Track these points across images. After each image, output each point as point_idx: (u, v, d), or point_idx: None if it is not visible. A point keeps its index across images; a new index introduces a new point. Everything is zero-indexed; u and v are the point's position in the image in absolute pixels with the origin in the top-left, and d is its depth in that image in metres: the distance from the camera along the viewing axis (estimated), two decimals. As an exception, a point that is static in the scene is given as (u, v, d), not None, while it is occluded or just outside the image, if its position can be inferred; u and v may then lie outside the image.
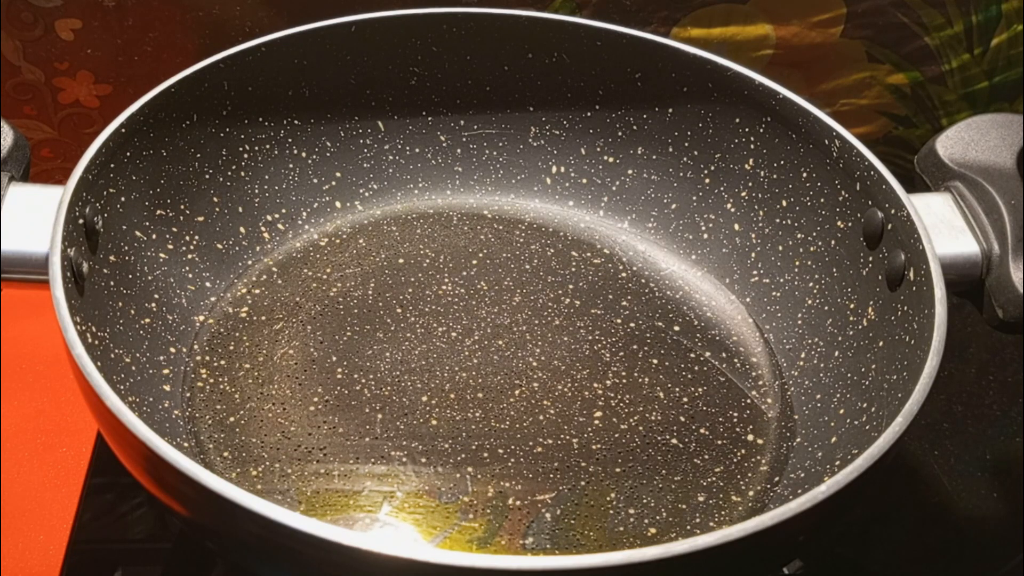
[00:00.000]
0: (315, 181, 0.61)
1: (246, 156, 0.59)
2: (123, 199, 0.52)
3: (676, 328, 0.56)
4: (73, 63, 0.67)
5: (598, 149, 0.63)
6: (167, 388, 0.50)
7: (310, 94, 0.60)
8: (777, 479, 0.49)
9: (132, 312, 0.51)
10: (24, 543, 0.52)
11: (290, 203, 0.60)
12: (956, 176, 0.54)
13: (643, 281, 0.59)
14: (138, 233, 0.53)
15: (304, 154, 0.61)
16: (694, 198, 0.61)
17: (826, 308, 0.55)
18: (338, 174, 0.61)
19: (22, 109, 0.69)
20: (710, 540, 0.37)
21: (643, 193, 0.62)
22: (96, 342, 0.46)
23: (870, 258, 0.53)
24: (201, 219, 0.57)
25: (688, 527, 0.47)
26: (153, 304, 0.52)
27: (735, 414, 0.52)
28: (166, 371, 0.51)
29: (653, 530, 0.47)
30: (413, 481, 0.47)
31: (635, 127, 0.62)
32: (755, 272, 0.58)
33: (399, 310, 0.56)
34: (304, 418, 0.50)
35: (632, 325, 0.56)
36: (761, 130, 0.58)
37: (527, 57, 0.62)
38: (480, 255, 0.59)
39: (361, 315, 0.55)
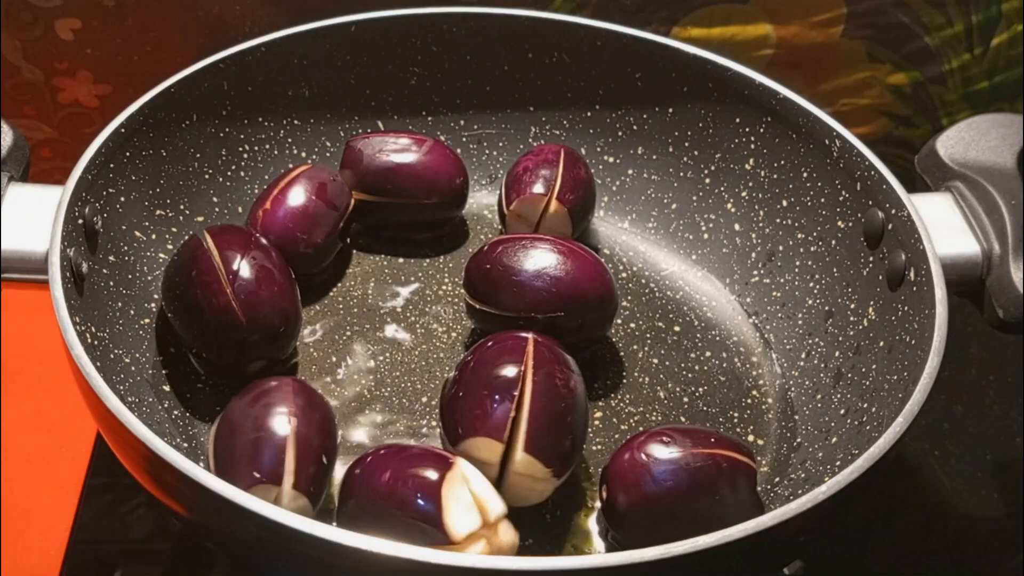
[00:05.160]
0: (315, 181, 0.61)
1: (246, 156, 0.59)
2: (123, 199, 0.52)
3: (676, 328, 0.56)
4: (73, 63, 0.67)
5: (598, 149, 0.63)
6: (167, 388, 0.50)
7: (310, 94, 0.61)
8: (777, 479, 0.49)
9: (132, 312, 0.51)
10: (24, 543, 0.52)
11: (290, 203, 0.60)
12: (957, 176, 0.54)
13: (643, 281, 0.59)
14: (138, 233, 0.53)
15: (304, 154, 0.61)
16: (694, 198, 0.61)
17: (826, 308, 0.55)
18: (338, 174, 0.61)
19: (22, 109, 0.69)
20: (710, 540, 0.37)
21: (643, 193, 0.62)
22: (96, 342, 0.46)
23: (870, 258, 0.53)
24: (201, 219, 0.57)
25: (688, 527, 0.47)
26: (153, 304, 0.52)
27: (735, 414, 0.52)
28: (166, 371, 0.51)
29: (653, 530, 0.47)
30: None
31: (635, 127, 0.62)
32: (755, 272, 0.58)
33: (399, 310, 0.56)
34: (304, 418, 0.50)
35: (632, 325, 0.56)
36: (761, 130, 0.58)
37: (527, 57, 0.62)
38: (480, 255, 0.59)
39: (361, 315, 0.55)
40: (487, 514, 0.41)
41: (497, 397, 0.43)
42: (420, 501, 0.40)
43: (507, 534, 0.42)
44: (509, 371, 0.44)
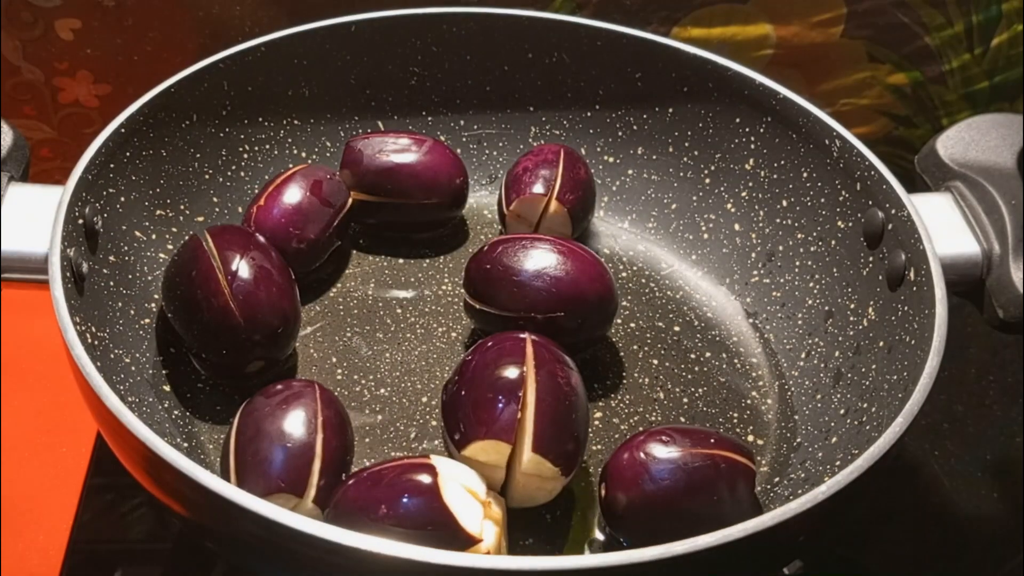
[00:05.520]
0: (315, 181, 0.61)
1: (246, 156, 0.59)
2: (123, 199, 0.52)
3: (676, 328, 0.56)
4: (73, 63, 0.67)
5: (598, 149, 0.63)
6: (167, 388, 0.50)
7: (310, 94, 0.61)
8: (777, 479, 0.49)
9: (132, 312, 0.51)
10: (24, 543, 0.52)
11: (290, 203, 0.60)
12: (957, 176, 0.54)
13: (643, 281, 0.59)
14: (138, 233, 0.53)
15: (304, 154, 0.61)
16: (694, 198, 0.61)
17: (826, 308, 0.55)
18: (338, 174, 0.61)
19: (22, 109, 0.69)
20: (710, 540, 0.37)
21: (643, 193, 0.62)
22: (96, 342, 0.46)
23: (870, 258, 0.53)
24: (201, 219, 0.57)
25: (688, 527, 0.47)
26: (153, 304, 0.52)
27: (735, 414, 0.52)
28: (166, 371, 0.51)
29: (653, 530, 0.47)
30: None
31: (635, 127, 0.62)
32: (755, 272, 0.58)
33: (399, 310, 0.56)
34: (304, 418, 0.50)
35: (632, 325, 0.56)
36: (761, 130, 0.58)
37: (527, 57, 0.62)
38: (480, 255, 0.59)
39: (361, 315, 0.55)
40: (479, 496, 0.42)
41: (502, 399, 0.43)
42: (432, 519, 0.40)
43: (497, 506, 0.43)
44: (511, 372, 0.44)
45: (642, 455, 0.43)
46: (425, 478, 0.41)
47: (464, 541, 0.40)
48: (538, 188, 0.56)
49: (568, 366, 0.45)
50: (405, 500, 0.41)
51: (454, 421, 0.44)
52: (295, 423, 0.44)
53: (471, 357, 0.45)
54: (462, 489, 0.41)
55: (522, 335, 0.45)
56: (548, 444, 0.43)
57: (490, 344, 0.46)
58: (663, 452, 0.43)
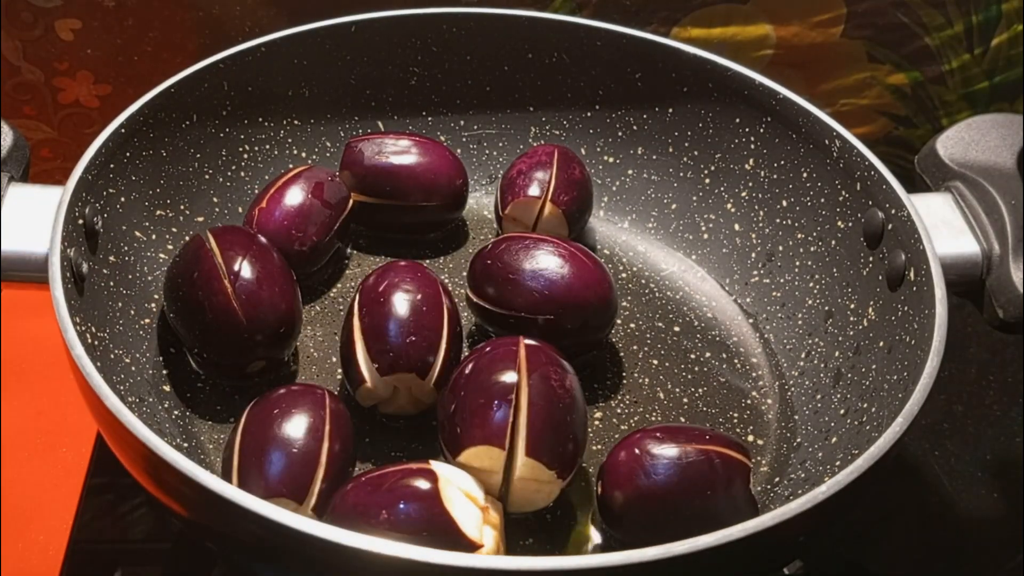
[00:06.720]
0: (315, 181, 0.61)
1: (246, 156, 0.59)
2: (123, 199, 0.52)
3: (676, 328, 0.56)
4: (73, 63, 0.67)
5: (598, 149, 0.63)
6: (167, 388, 0.50)
7: (310, 94, 0.61)
8: (777, 479, 0.49)
9: (132, 312, 0.51)
10: (24, 543, 0.52)
11: (290, 203, 0.60)
12: (956, 176, 0.54)
13: (643, 281, 0.59)
14: (138, 233, 0.53)
15: (304, 154, 0.61)
16: (694, 198, 0.61)
17: (826, 308, 0.55)
18: (338, 174, 0.61)
19: (22, 109, 0.69)
20: (710, 540, 0.37)
21: (643, 193, 0.62)
22: (96, 342, 0.46)
23: (870, 258, 0.53)
24: (201, 219, 0.57)
25: (688, 527, 0.47)
26: (153, 304, 0.52)
27: (735, 414, 0.52)
28: (166, 371, 0.51)
29: (653, 530, 0.47)
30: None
31: (635, 127, 0.62)
32: (755, 272, 0.58)
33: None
34: (304, 418, 0.50)
35: (632, 325, 0.56)
36: (761, 130, 0.58)
37: (527, 57, 0.62)
38: (480, 255, 0.59)
39: (361, 315, 0.55)
40: (478, 502, 0.42)
41: (495, 403, 0.43)
42: (432, 524, 0.40)
43: (495, 511, 0.42)
44: (504, 377, 0.44)
45: (636, 451, 0.43)
46: (425, 483, 0.41)
47: (465, 547, 0.40)
48: (533, 191, 0.56)
49: (563, 369, 0.45)
50: (405, 506, 0.41)
51: (449, 427, 0.44)
52: (302, 430, 0.44)
53: (466, 363, 0.45)
54: (462, 494, 0.41)
55: (516, 340, 0.45)
56: (543, 448, 0.43)
57: (485, 350, 0.46)
58: (657, 449, 0.43)
